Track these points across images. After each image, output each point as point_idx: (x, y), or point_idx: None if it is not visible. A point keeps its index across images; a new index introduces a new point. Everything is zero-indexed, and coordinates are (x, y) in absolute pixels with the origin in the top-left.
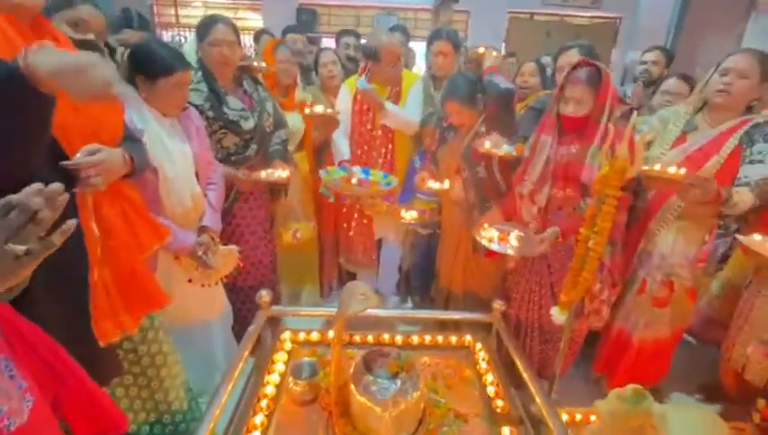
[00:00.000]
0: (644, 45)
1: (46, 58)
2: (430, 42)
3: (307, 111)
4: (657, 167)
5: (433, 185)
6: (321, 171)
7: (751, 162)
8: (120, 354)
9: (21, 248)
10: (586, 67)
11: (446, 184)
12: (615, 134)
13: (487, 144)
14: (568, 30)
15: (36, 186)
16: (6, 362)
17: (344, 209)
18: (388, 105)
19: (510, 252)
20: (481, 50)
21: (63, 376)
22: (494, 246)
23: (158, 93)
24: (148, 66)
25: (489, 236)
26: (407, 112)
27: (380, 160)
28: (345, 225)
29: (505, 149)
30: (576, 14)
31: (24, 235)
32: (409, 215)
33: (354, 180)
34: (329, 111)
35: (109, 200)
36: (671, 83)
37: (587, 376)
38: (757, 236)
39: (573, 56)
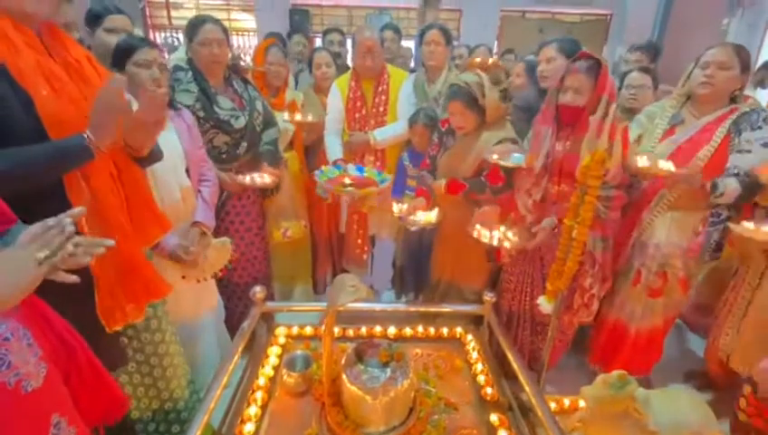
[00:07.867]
0: (631, 42)
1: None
2: (422, 34)
3: (297, 117)
4: (645, 160)
5: (421, 217)
6: (315, 172)
7: (739, 152)
8: (123, 342)
9: (41, 255)
10: (587, 59)
11: (434, 213)
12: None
13: (495, 156)
14: (560, 27)
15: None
16: (25, 332)
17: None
18: (375, 135)
19: (507, 245)
20: (477, 59)
21: (75, 351)
22: (494, 242)
23: (132, 80)
24: (113, 57)
25: (484, 233)
26: (395, 126)
27: (372, 159)
28: (341, 225)
29: (515, 159)
30: (567, 11)
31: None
32: (399, 208)
33: (347, 180)
34: (310, 118)
35: (109, 189)
36: (633, 77)
37: (582, 368)
38: (748, 224)
39: (550, 51)
